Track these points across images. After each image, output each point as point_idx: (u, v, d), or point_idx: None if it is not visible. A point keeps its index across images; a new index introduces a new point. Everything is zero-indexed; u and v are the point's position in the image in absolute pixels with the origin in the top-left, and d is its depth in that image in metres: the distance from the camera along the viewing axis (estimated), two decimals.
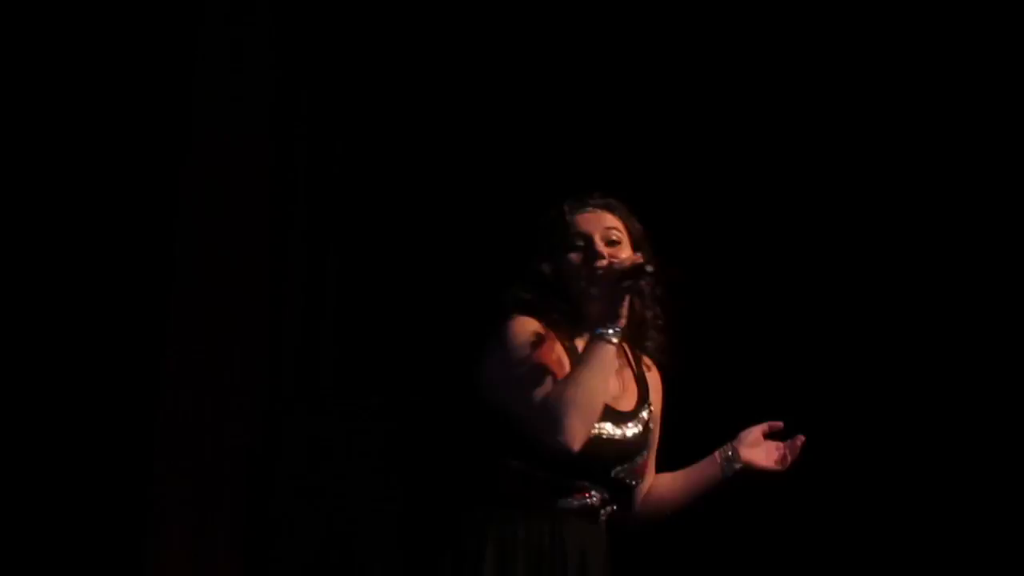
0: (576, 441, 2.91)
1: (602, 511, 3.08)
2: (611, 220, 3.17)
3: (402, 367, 4.95)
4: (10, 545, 4.81)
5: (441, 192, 5.00)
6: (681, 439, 3.33)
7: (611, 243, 3.14)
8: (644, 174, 4.62)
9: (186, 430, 4.91)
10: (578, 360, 3.00)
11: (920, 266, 4.73)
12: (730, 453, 3.25)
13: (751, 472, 3.26)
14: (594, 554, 3.06)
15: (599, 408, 2.97)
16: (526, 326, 3.03)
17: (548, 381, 2.96)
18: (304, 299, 5.12)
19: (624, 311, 3.00)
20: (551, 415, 2.90)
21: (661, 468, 3.33)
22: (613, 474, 3.06)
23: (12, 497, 4.83)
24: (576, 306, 3.11)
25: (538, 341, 3.01)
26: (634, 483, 3.13)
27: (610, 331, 2.98)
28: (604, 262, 3.08)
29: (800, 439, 3.27)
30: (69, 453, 4.86)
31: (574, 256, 3.12)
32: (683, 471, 3.30)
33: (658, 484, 3.30)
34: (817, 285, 4.77)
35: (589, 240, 3.13)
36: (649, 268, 2.98)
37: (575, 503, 3.03)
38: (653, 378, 3.26)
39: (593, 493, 3.04)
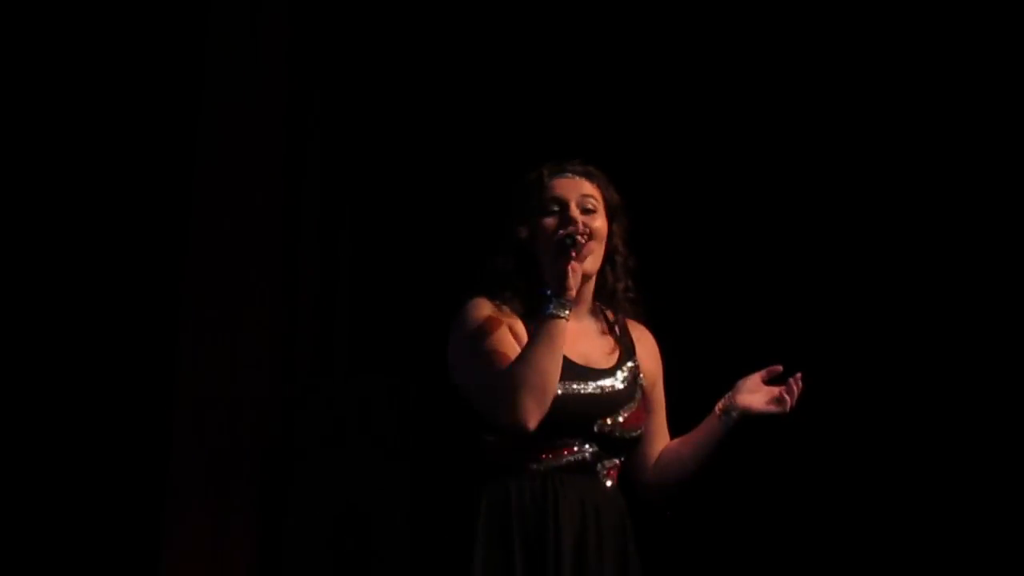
0: (531, 419, 2.92)
1: (598, 465, 3.08)
2: (588, 187, 3.16)
3: (415, 350, 4.95)
4: (29, 526, 4.84)
5: (454, 172, 4.99)
6: (691, 407, 3.33)
7: (586, 211, 3.13)
8: (631, 146, 4.63)
9: (202, 414, 4.93)
10: (529, 338, 3.00)
11: (916, 233, 4.72)
12: (728, 403, 3.22)
13: (751, 417, 3.21)
14: (605, 510, 3.06)
15: (552, 384, 2.94)
16: (481, 309, 3.05)
17: (499, 363, 2.96)
18: (318, 282, 5.12)
19: (569, 284, 2.98)
20: (503, 396, 2.91)
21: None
22: (596, 428, 3.06)
23: (31, 480, 4.86)
24: (533, 269, 3.11)
25: (493, 324, 3.02)
26: (626, 436, 3.11)
27: (558, 306, 2.97)
28: (561, 232, 3.07)
29: (798, 376, 3.21)
30: (86, 438, 4.89)
31: (548, 221, 3.11)
32: (689, 433, 3.28)
33: (667, 449, 3.28)
34: (811, 252, 4.76)
35: (564, 205, 3.11)
36: (574, 240, 2.99)
37: (563, 460, 3.03)
38: (646, 340, 3.26)
39: (579, 448, 3.05)
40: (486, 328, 3.00)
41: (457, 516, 3.03)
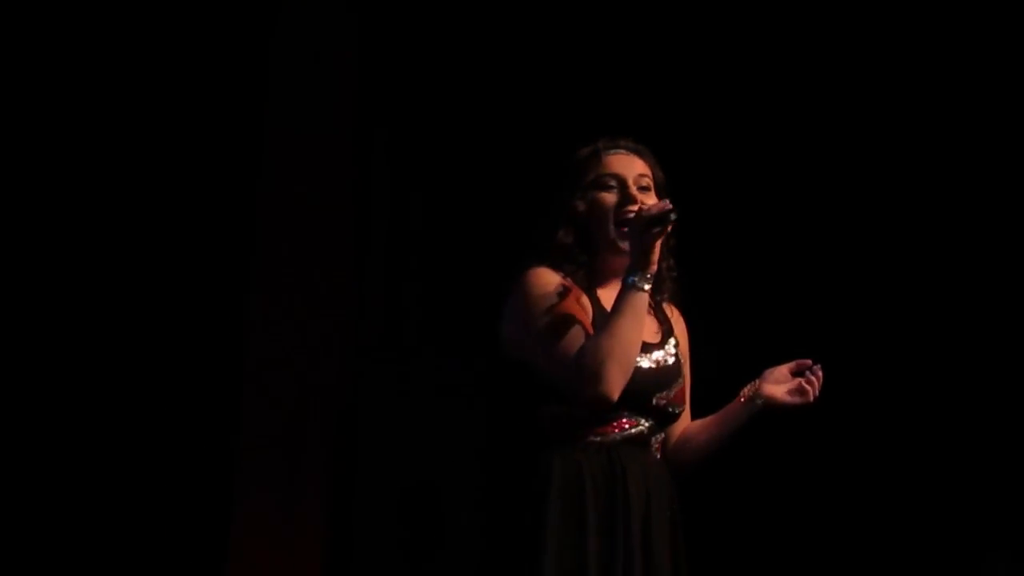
0: (616, 391, 2.93)
1: (652, 439, 3.09)
2: (641, 165, 3.17)
3: (483, 322, 4.97)
4: (103, 484, 4.89)
5: (519, 146, 4.94)
6: (712, 391, 3.34)
7: (641, 188, 3.15)
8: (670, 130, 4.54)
9: (272, 376, 4.94)
10: (611, 309, 2.98)
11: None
12: (754, 391, 3.22)
13: (775, 408, 3.21)
14: (659, 482, 3.07)
15: (635, 357, 2.99)
16: (545, 277, 3.03)
17: (578, 333, 2.95)
18: (389, 244, 5.09)
19: (655, 258, 2.99)
20: (590, 367, 2.90)
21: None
22: (654, 401, 3.07)
23: (105, 436, 4.90)
24: (601, 249, 3.11)
25: (563, 295, 3.00)
26: (676, 411, 3.14)
27: (642, 279, 2.97)
28: (635, 207, 3.06)
29: (818, 368, 3.22)
30: (157, 397, 4.92)
31: (607, 196, 3.11)
32: (711, 416, 3.27)
33: (687, 429, 3.28)
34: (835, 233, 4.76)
35: (623, 183, 3.12)
36: (674, 216, 2.96)
37: (623, 433, 3.04)
38: (678, 320, 3.27)
39: (637, 421, 3.05)
40: (559, 299, 2.99)
41: (525, 488, 3.01)
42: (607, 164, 3.14)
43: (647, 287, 2.97)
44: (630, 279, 2.97)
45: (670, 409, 3.11)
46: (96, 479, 4.89)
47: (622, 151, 3.17)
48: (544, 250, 3.10)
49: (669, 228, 2.99)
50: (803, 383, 3.21)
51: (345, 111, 5.11)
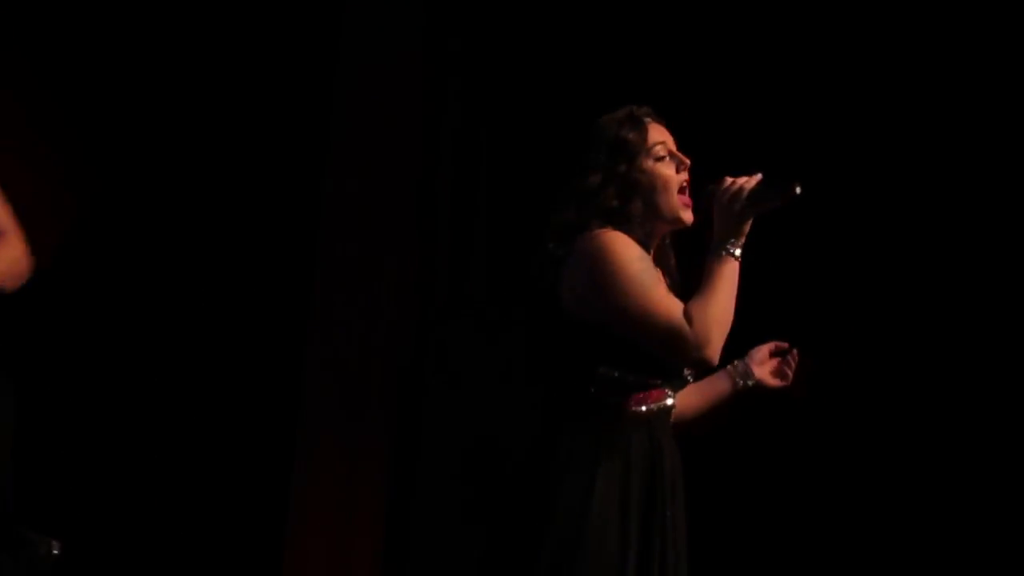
0: (717, 356, 2.94)
1: (673, 409, 3.11)
2: (671, 136, 3.16)
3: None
4: (170, 448, 4.96)
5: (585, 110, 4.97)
6: None
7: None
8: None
9: (336, 340, 4.99)
10: (708, 276, 2.97)
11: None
12: (742, 368, 3.29)
13: (761, 390, 3.30)
14: (676, 452, 3.08)
15: (730, 323, 2.97)
16: (626, 241, 2.98)
17: (673, 297, 2.96)
18: (456, 208, 5.12)
19: (747, 228, 2.98)
20: (700, 333, 2.89)
21: None
22: (686, 373, 3.08)
23: (171, 400, 4.97)
24: (654, 217, 3.07)
25: (643, 258, 2.98)
26: (691, 381, 3.15)
27: (735, 247, 2.97)
28: (729, 180, 3.00)
29: (794, 352, 3.30)
30: (220, 362, 5.00)
31: (663, 167, 3.09)
32: (695, 385, 3.23)
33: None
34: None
35: (671, 152, 3.11)
36: (798, 190, 2.93)
37: (660, 404, 3.05)
38: None
39: (669, 392, 3.06)
40: (645, 263, 2.96)
41: (563, 452, 2.99)
42: (653, 132, 3.11)
43: (739, 256, 2.97)
44: (727, 248, 2.97)
45: (690, 379, 3.12)
46: (161, 444, 4.97)
47: (656, 120, 3.14)
48: (607, 216, 3.05)
49: (779, 204, 2.97)
50: (783, 366, 3.31)
51: (413, 70, 5.15)
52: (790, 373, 3.29)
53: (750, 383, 3.29)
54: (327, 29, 5.09)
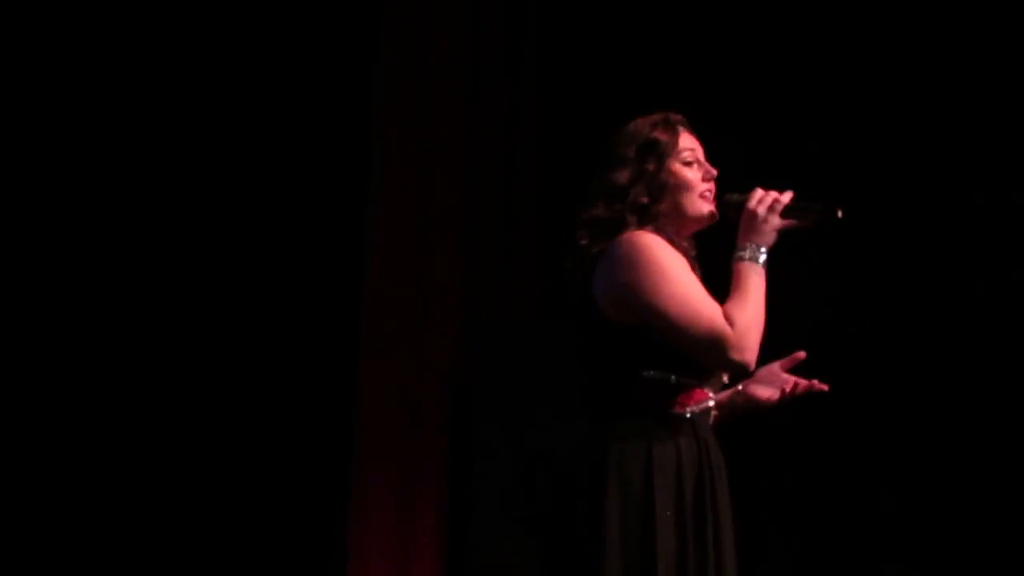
0: (754, 359, 2.95)
1: (713, 412, 3.09)
2: (701, 147, 3.15)
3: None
4: (225, 459, 4.96)
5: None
6: None
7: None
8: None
9: (389, 354, 4.98)
10: (741, 280, 2.97)
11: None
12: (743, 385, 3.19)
13: (753, 405, 3.17)
14: (721, 458, 3.06)
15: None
16: (660, 242, 2.98)
17: (710, 300, 2.95)
18: (503, 220, 5.11)
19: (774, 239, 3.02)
20: (739, 336, 2.90)
21: None
22: (725, 378, 3.07)
23: (227, 420, 4.97)
24: (676, 219, 3.05)
25: (681, 260, 2.97)
26: (728, 385, 3.13)
27: (763, 254, 3.00)
28: (762, 193, 3.02)
29: (815, 383, 3.16)
30: (274, 384, 4.98)
31: (690, 171, 3.08)
32: None
33: None
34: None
35: (699, 159, 3.11)
36: (840, 215, 2.95)
37: (702, 406, 3.03)
38: None
39: (711, 394, 3.05)
40: (680, 265, 2.96)
41: (611, 460, 2.96)
42: (684, 138, 3.11)
43: (765, 262, 3.00)
44: (757, 254, 2.99)
45: (725, 381, 3.10)
46: (218, 466, 4.96)
47: (688, 129, 3.13)
48: (638, 213, 3.03)
49: (813, 225, 2.99)
50: (784, 386, 3.17)
51: (453, 82, 5.11)
52: (786, 391, 3.16)
53: (739, 400, 3.17)
54: (364, 41, 5.12)
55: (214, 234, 5.04)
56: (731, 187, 3.08)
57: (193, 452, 4.95)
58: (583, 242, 3.04)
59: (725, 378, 3.09)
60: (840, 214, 2.95)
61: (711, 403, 3.05)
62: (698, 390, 3.01)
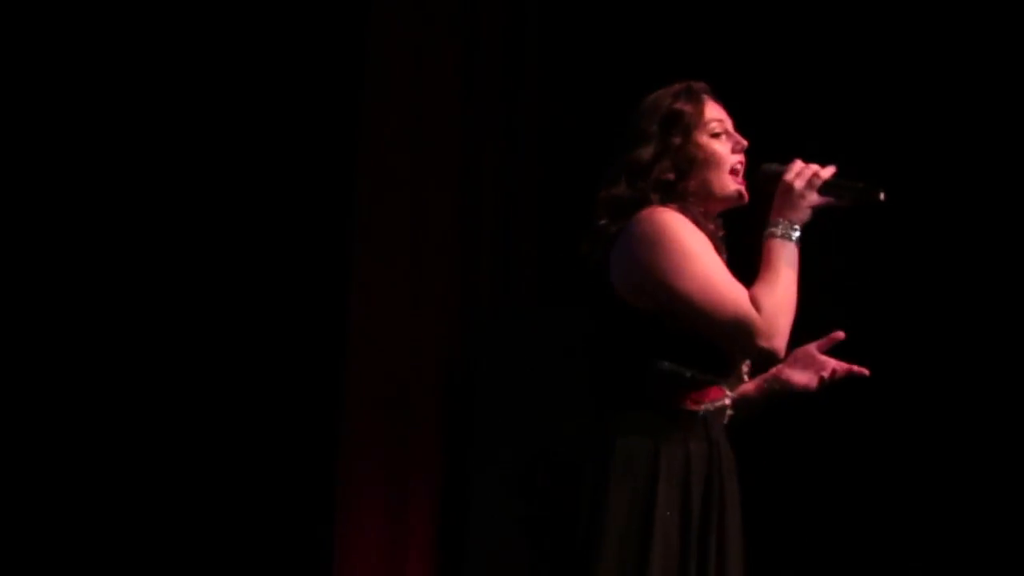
0: (784, 345, 2.81)
1: (728, 410, 2.97)
2: (728, 117, 3.02)
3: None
4: (207, 453, 4.88)
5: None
6: None
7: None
8: None
9: (380, 342, 4.87)
10: (773, 261, 2.83)
11: None
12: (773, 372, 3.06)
13: (786, 388, 3.04)
14: (732, 460, 2.95)
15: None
16: (683, 222, 2.83)
17: (736, 283, 2.82)
18: (501, 204, 5.01)
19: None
20: (768, 322, 2.77)
21: None
22: (744, 369, 2.96)
23: (213, 411, 4.90)
24: (705, 196, 2.92)
25: (704, 240, 2.83)
26: (746, 380, 3.03)
27: (796, 231, 2.86)
28: (801, 165, 2.88)
29: (857, 368, 3.04)
30: (262, 372, 4.89)
31: (720, 145, 2.95)
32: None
33: None
34: None
35: (727, 131, 2.98)
36: (882, 196, 2.83)
37: (714, 404, 2.90)
38: None
39: (725, 391, 2.92)
40: (703, 245, 2.83)
41: (617, 454, 2.85)
42: (711, 109, 2.99)
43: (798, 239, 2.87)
44: (791, 231, 2.86)
45: (745, 379, 3.01)
46: (202, 458, 4.88)
47: (714, 98, 3.02)
48: (663, 190, 2.91)
49: (851, 203, 2.88)
50: (821, 372, 3.04)
51: (449, 66, 5.01)
52: (825, 376, 3.03)
53: (776, 386, 3.05)
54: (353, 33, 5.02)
55: (197, 218, 4.96)
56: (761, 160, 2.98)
57: (171, 447, 4.88)
58: (602, 222, 2.90)
59: (745, 376, 2.96)
60: (883, 196, 2.84)
61: (727, 401, 2.92)
62: (714, 388, 2.88)
